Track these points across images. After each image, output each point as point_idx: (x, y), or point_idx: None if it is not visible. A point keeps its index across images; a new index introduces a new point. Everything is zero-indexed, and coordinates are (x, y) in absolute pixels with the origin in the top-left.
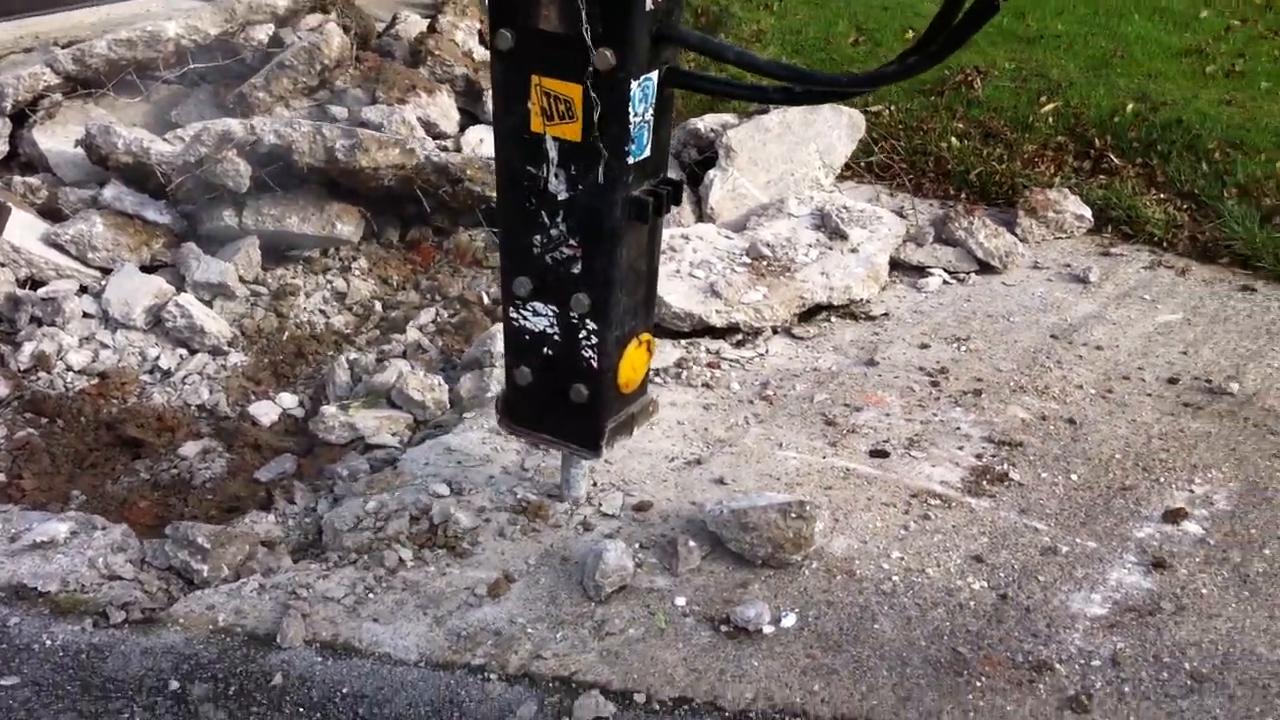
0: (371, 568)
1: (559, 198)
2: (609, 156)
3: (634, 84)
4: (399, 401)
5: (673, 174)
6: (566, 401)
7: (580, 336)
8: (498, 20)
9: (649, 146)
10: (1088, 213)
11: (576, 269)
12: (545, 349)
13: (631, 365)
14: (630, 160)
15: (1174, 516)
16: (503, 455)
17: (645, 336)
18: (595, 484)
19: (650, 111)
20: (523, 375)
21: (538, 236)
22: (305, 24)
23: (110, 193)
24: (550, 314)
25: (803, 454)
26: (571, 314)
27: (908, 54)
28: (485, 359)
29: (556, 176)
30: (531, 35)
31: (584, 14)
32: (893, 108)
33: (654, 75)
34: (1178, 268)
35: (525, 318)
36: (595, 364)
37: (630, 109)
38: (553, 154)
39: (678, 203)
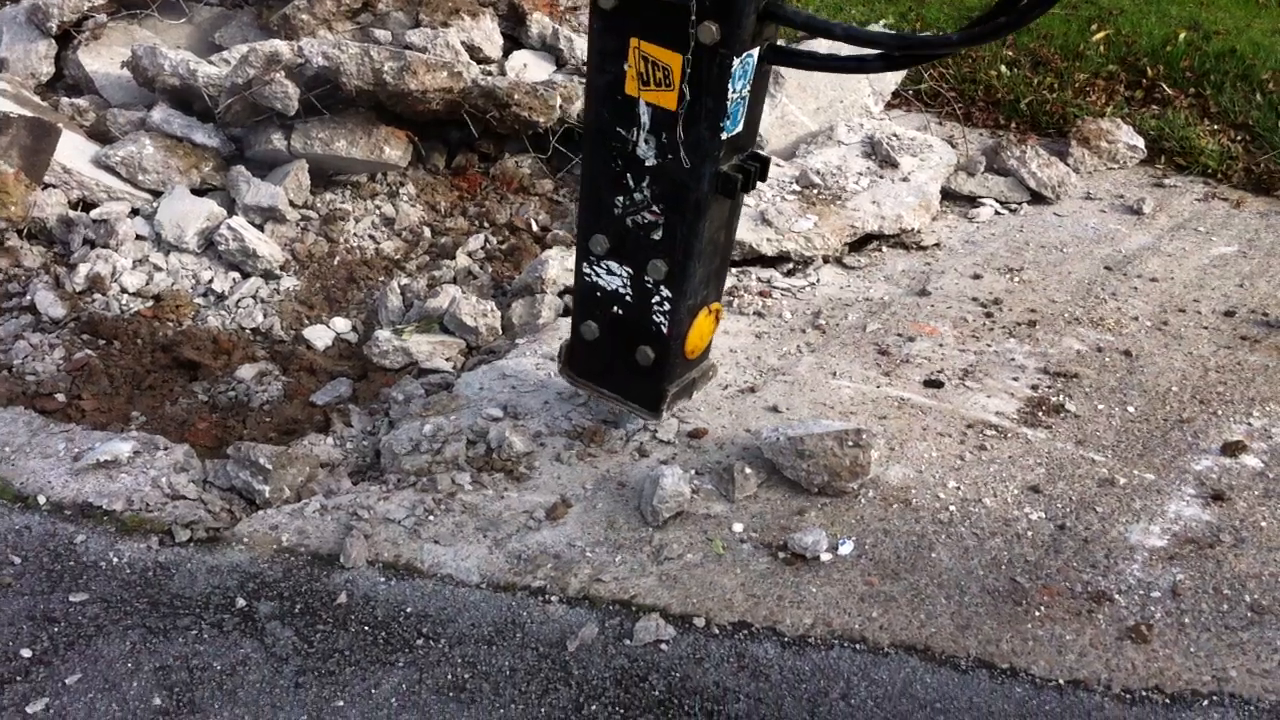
0: (430, 490)
1: (646, 163)
2: (703, 129)
3: (736, 60)
4: (452, 327)
5: None
6: (631, 361)
7: (653, 301)
8: None
9: (742, 122)
10: (1140, 143)
11: (657, 235)
12: (615, 308)
13: (699, 333)
14: (723, 135)
15: (1232, 449)
16: (557, 380)
17: (716, 306)
18: None
19: (747, 88)
20: (589, 330)
21: (620, 198)
22: None
23: (158, 115)
24: (625, 275)
25: (856, 383)
26: (647, 279)
27: (997, 13)
28: (536, 285)
29: (646, 142)
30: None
31: None
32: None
33: (755, 51)
34: (1232, 200)
35: (598, 275)
36: (665, 330)
37: (730, 85)
38: (645, 119)
39: (764, 179)
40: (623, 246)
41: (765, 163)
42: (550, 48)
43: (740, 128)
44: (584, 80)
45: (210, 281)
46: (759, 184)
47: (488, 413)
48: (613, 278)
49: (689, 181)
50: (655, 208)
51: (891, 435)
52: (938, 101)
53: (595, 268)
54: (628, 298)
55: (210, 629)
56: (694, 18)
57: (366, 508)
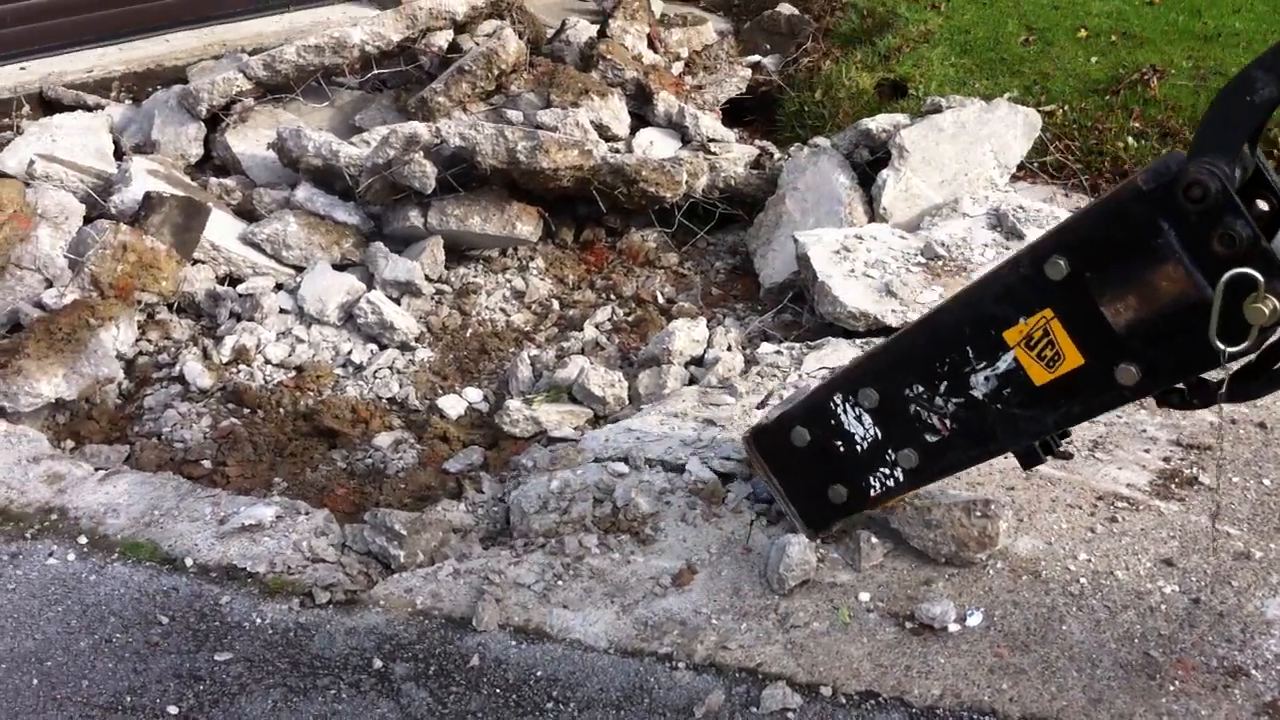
0: (558, 554)
1: (971, 392)
2: (1048, 415)
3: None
4: (580, 396)
5: (843, 176)
6: (819, 486)
7: (882, 471)
8: (1059, 247)
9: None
10: None
11: (930, 438)
12: (840, 445)
13: (894, 501)
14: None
15: None
16: (679, 431)
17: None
18: None
19: None
20: (799, 436)
21: (922, 387)
22: (481, 30)
23: (302, 194)
24: (872, 435)
25: None
26: (890, 454)
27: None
28: (663, 356)
29: (987, 379)
30: (1087, 296)
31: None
32: (1066, 107)
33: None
34: None
35: (846, 413)
36: (873, 494)
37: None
38: (1002, 366)
39: (1050, 454)
40: (890, 417)
41: (1065, 437)
42: (676, 125)
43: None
44: (709, 156)
45: (349, 353)
46: (881, 255)
47: (612, 469)
48: (858, 426)
49: (1002, 437)
50: (950, 425)
51: (1020, 506)
52: (1064, 173)
53: (848, 406)
54: (859, 449)
55: (348, 689)
56: (1121, 365)
57: (497, 572)
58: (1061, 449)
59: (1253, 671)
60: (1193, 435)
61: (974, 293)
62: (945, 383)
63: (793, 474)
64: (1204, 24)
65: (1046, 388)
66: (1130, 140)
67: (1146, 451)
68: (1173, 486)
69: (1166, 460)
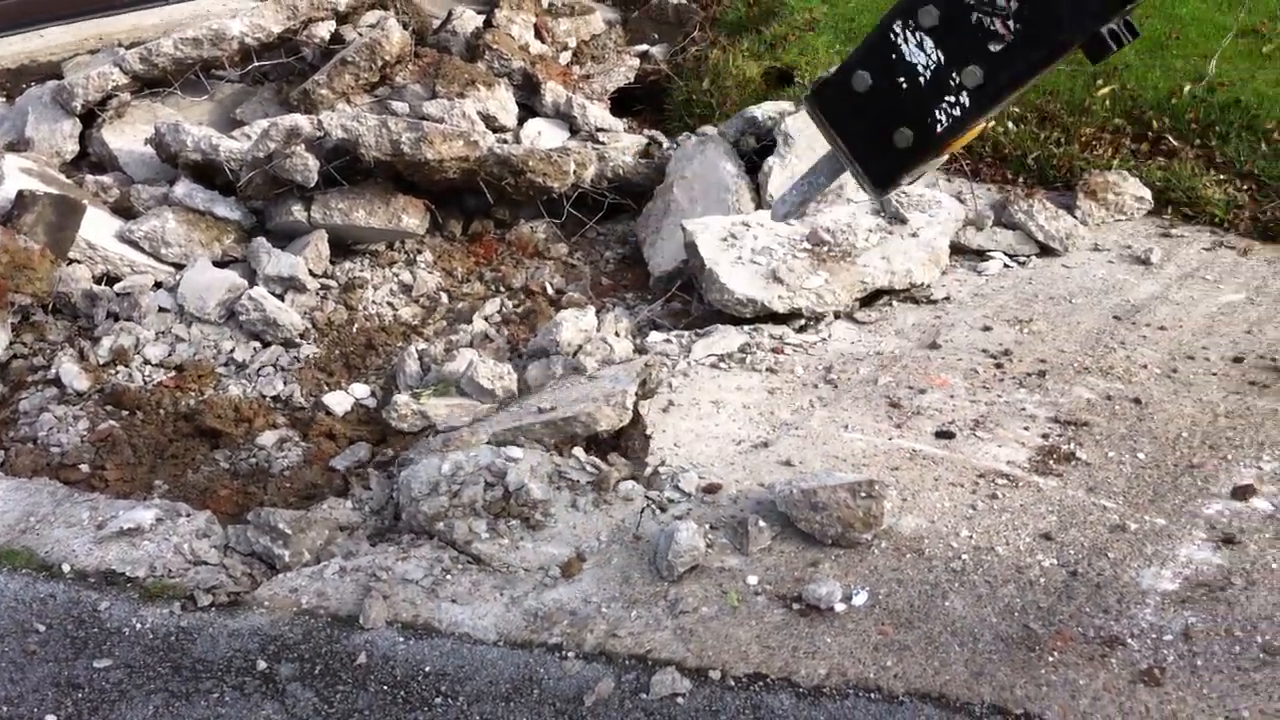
0: (447, 544)
1: None
2: None
3: None
4: (469, 390)
5: (730, 164)
6: (884, 134)
7: (946, 98)
8: None
9: None
10: (1147, 194)
11: (994, 47)
12: (902, 79)
13: (965, 138)
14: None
15: (1243, 493)
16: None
17: (991, 125)
18: (664, 463)
19: None
20: (860, 80)
21: None
22: (365, 20)
23: (181, 190)
24: (934, 60)
25: (868, 436)
26: (954, 77)
27: None
28: (551, 347)
29: None
30: None
31: None
32: None
33: None
34: (1239, 248)
35: (906, 41)
36: (940, 128)
37: None
38: None
39: (1120, 46)
40: (951, 33)
41: (1136, 35)
42: (564, 115)
43: None
44: (598, 146)
45: (231, 351)
46: (768, 242)
47: (507, 452)
48: (919, 53)
49: (1069, 23)
50: (1011, 24)
51: (904, 486)
52: (947, 158)
53: (908, 33)
54: (921, 80)
55: (232, 692)
56: None
57: (385, 568)
58: (1128, 41)
59: (1129, 640)
60: (1070, 412)
61: None
62: None
63: (856, 126)
64: None
65: None
66: (1010, 125)
67: (1026, 429)
68: (1051, 463)
69: (1045, 437)
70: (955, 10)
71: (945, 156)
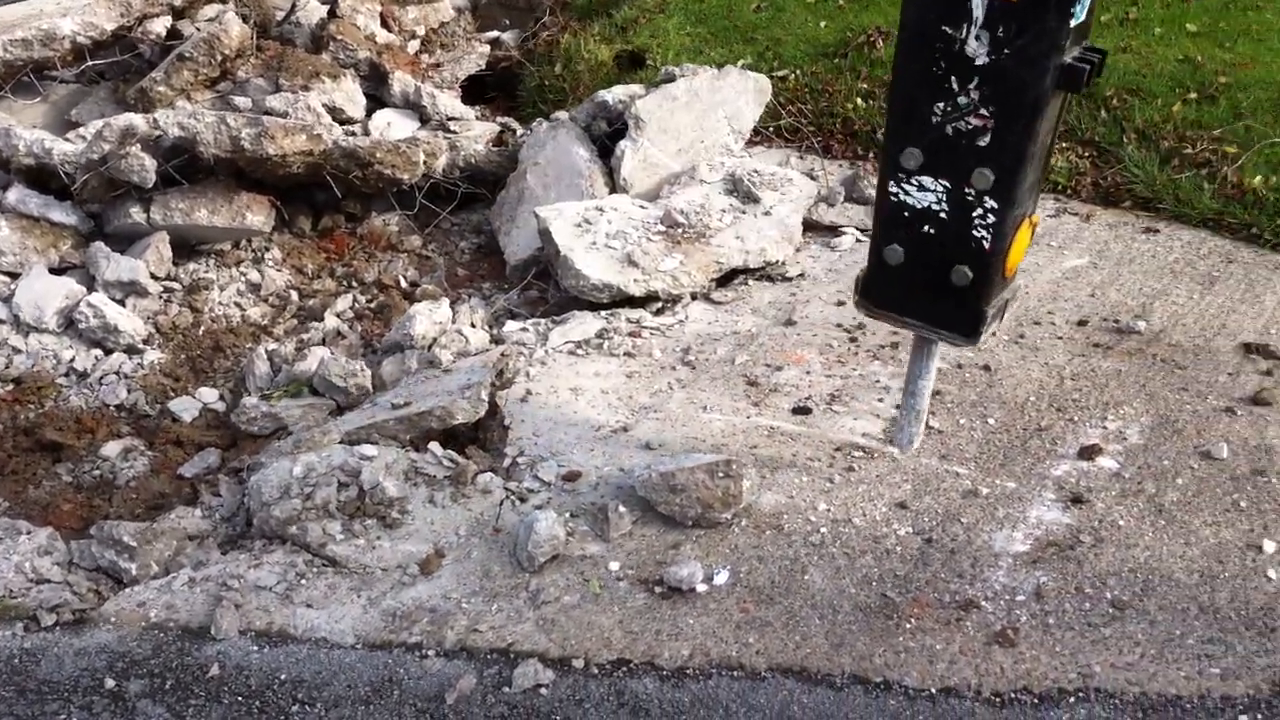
0: (301, 547)
1: (976, 62)
2: (1050, 16)
3: None
4: (321, 388)
5: (583, 149)
6: (944, 284)
7: (974, 215)
8: None
9: (1088, 6)
10: None
11: (983, 142)
12: (927, 227)
13: (1020, 247)
14: (1072, 22)
15: (1089, 453)
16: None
17: (1035, 218)
18: (523, 453)
19: None
20: (894, 254)
21: (941, 104)
22: (203, 15)
23: (14, 196)
24: (940, 190)
25: (727, 415)
26: (968, 190)
27: None
28: (405, 341)
29: (979, 38)
30: None
31: None
32: (798, 72)
33: None
34: (1082, 213)
35: (907, 193)
36: (987, 245)
37: None
38: (978, 13)
39: (1100, 75)
40: (940, 158)
41: (1104, 56)
42: (414, 105)
43: (1085, 14)
44: (449, 135)
45: (72, 360)
46: (622, 226)
47: (360, 450)
48: (925, 194)
49: (1028, 78)
50: (983, 110)
51: (762, 463)
52: (797, 136)
53: (904, 185)
54: (942, 214)
55: (80, 712)
56: None
57: (236, 576)
58: (1098, 64)
59: (983, 603)
60: None
61: None
62: (953, 77)
63: (917, 297)
64: None
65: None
66: (859, 101)
67: (880, 401)
68: None
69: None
70: (931, 135)
71: (1018, 282)
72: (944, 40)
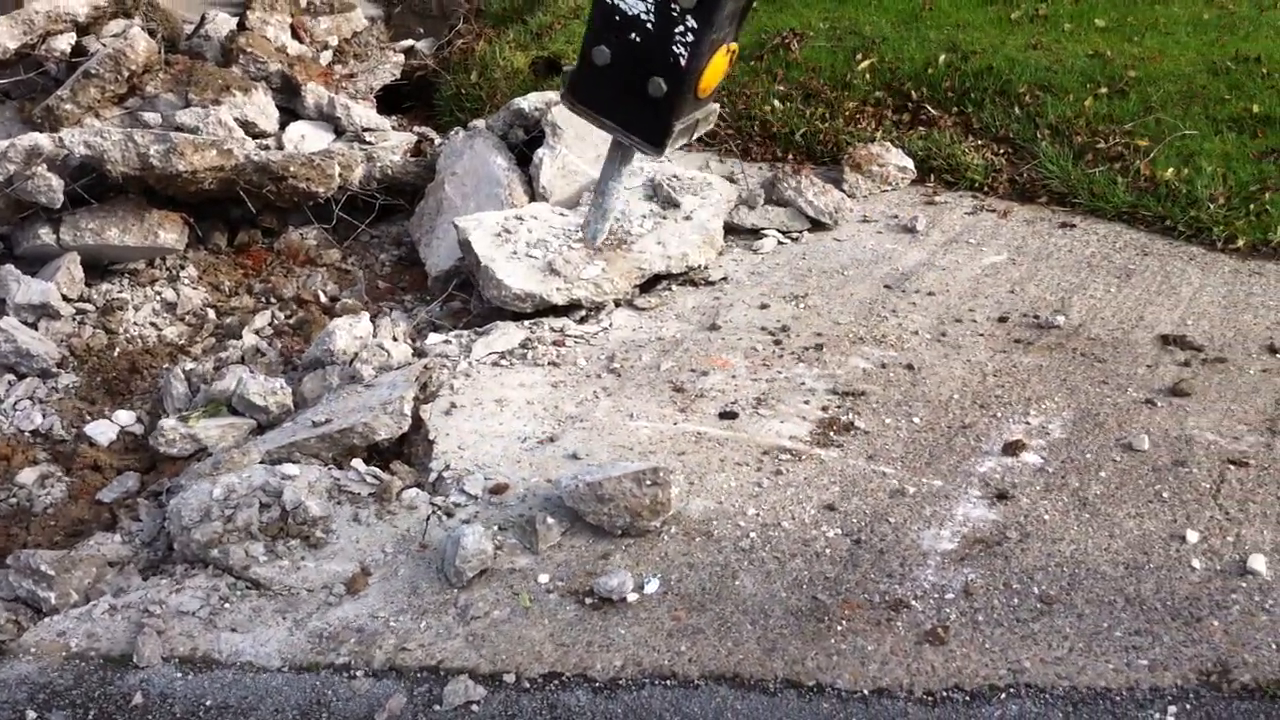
0: (223, 571)
1: None
2: None
3: None
4: (240, 408)
5: (500, 158)
6: (641, 93)
7: (676, 30)
8: None
9: None
10: (910, 164)
11: None
12: (633, 34)
13: (715, 70)
14: None
15: (1013, 449)
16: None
17: (734, 47)
18: (448, 467)
19: None
20: (601, 54)
21: None
22: (108, 30)
23: None
24: (649, 0)
25: (653, 422)
26: (673, 6)
27: None
28: (326, 358)
29: None
30: None
31: None
32: None
33: None
34: (1000, 210)
35: None
36: (683, 62)
37: None
38: None
39: None
40: None
41: None
42: (328, 117)
43: None
44: (365, 146)
45: None
46: (542, 234)
47: (282, 470)
48: (636, 1)
49: None
50: None
51: (690, 470)
52: (716, 140)
53: None
54: (649, 25)
55: None
56: None
57: (158, 602)
58: None
59: (913, 602)
60: (848, 383)
61: None
62: None
63: (616, 101)
64: None
65: None
66: (776, 103)
67: (806, 403)
68: (831, 434)
69: (825, 409)
70: None
71: (712, 104)
72: None
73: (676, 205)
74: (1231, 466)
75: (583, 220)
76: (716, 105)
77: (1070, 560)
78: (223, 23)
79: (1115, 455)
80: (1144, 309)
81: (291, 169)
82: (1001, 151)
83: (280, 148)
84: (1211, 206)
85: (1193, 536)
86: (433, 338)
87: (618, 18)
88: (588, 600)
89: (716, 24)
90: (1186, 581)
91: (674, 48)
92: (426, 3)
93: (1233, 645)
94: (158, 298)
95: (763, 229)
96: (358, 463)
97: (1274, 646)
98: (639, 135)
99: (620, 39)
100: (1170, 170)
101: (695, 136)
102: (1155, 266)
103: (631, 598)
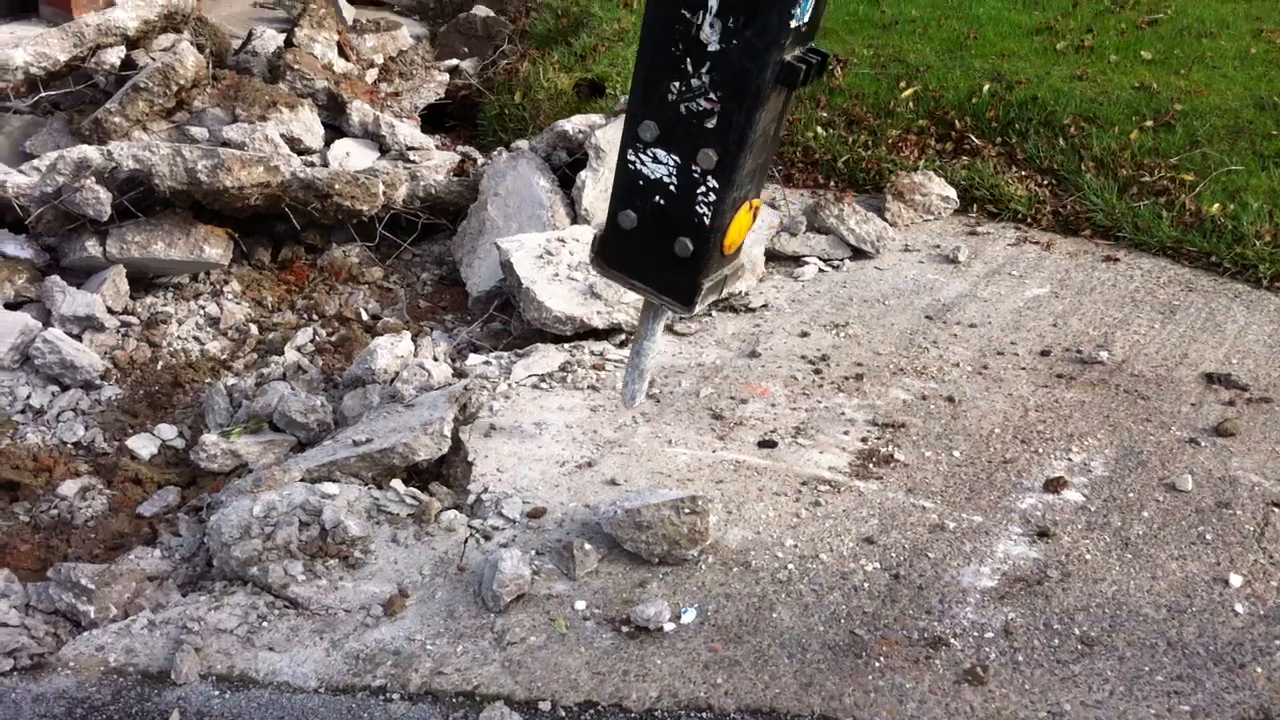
0: (261, 589)
1: (708, 48)
2: (773, 15)
3: None
4: (281, 424)
5: (543, 179)
6: (668, 253)
7: (698, 191)
8: None
9: (810, 12)
10: (953, 194)
11: (710, 124)
12: (657, 197)
13: (739, 227)
14: (792, 24)
15: (1054, 486)
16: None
17: (756, 202)
18: (487, 490)
19: None
20: (628, 219)
21: (676, 84)
22: (158, 45)
23: None
24: (671, 164)
25: (692, 449)
26: (694, 168)
27: None
28: (367, 376)
29: (712, 26)
30: None
31: None
32: None
33: None
34: (1043, 242)
35: (643, 163)
36: (707, 221)
37: None
38: (713, 1)
39: (822, 74)
40: (672, 134)
41: (825, 58)
42: (373, 135)
43: (807, 18)
44: (409, 165)
45: (28, 397)
46: (584, 258)
47: (322, 489)
48: (658, 166)
49: (751, 68)
50: (712, 95)
51: (729, 499)
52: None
53: (641, 155)
54: (671, 187)
55: None
56: None
57: (196, 619)
58: (817, 65)
59: (952, 640)
60: (887, 414)
61: None
62: (687, 60)
63: (644, 262)
64: (882, 13)
65: None
66: (819, 130)
67: (845, 434)
68: (871, 466)
69: (864, 440)
70: (667, 113)
71: (738, 260)
72: (683, 23)
73: None
74: (1276, 509)
75: (621, 383)
76: (742, 261)
77: (1112, 601)
78: (270, 39)
79: (1158, 495)
80: (1188, 346)
81: (336, 186)
82: (1045, 183)
83: (325, 165)
84: (1258, 243)
85: (1236, 580)
86: (473, 358)
87: (641, 182)
88: (624, 629)
89: (737, 183)
90: (1229, 626)
91: (697, 208)
92: (472, 23)
93: (1276, 693)
94: (201, 312)
95: (804, 256)
96: (397, 483)
97: None
98: (670, 296)
99: (645, 202)
100: (1216, 206)
101: (725, 293)
102: (1200, 303)
103: (668, 627)
